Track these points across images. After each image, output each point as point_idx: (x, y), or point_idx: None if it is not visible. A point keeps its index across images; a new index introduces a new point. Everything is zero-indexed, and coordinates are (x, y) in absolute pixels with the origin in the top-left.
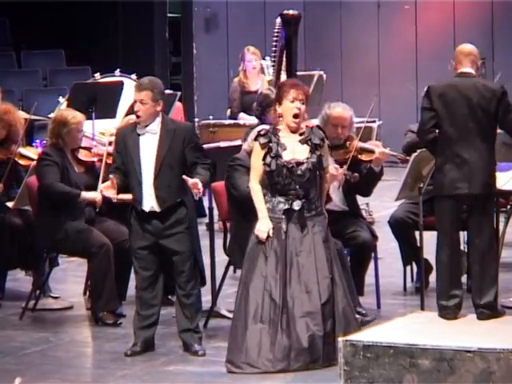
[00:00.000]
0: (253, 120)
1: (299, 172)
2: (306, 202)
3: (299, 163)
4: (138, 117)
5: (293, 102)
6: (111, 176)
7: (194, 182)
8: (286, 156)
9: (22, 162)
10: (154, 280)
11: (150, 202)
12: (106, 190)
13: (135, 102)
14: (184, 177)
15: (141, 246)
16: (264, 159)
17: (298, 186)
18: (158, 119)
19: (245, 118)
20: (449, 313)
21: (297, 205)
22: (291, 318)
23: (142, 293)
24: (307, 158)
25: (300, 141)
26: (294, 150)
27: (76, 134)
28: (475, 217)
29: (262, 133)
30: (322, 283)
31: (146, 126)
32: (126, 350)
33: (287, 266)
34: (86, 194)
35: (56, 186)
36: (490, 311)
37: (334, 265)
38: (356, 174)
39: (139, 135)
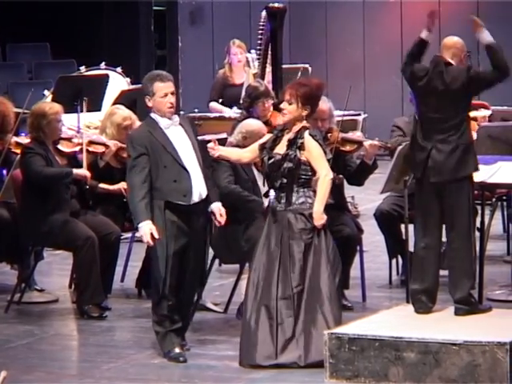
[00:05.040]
0: (224, 108)
1: (268, 164)
2: (278, 194)
3: (271, 157)
4: (172, 108)
5: (282, 102)
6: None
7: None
8: (276, 150)
9: (18, 150)
10: (180, 282)
11: (198, 190)
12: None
13: (166, 94)
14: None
15: (177, 251)
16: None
17: (271, 178)
18: None
19: (216, 108)
20: (420, 307)
21: (271, 194)
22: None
23: (173, 298)
24: (279, 154)
25: (289, 138)
26: (283, 146)
27: (56, 125)
28: (448, 210)
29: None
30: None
31: (170, 118)
32: (180, 358)
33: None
34: (77, 171)
35: (46, 170)
36: (465, 306)
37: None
38: (341, 176)
39: (164, 129)
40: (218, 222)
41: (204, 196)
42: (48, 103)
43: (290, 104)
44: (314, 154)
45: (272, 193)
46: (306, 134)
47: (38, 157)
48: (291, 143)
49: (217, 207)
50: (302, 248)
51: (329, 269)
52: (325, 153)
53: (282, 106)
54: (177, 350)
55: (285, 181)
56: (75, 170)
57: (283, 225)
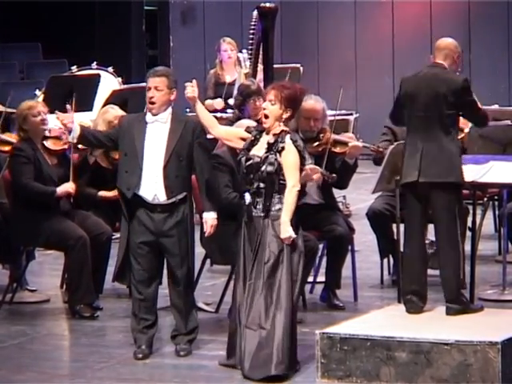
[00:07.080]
0: (217, 102)
1: (245, 165)
2: (254, 198)
3: (249, 158)
4: (151, 103)
5: (264, 102)
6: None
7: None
8: (253, 152)
9: (5, 148)
10: (153, 280)
11: (154, 191)
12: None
13: (149, 88)
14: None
15: (141, 242)
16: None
17: (247, 180)
18: (170, 109)
19: (211, 105)
20: (411, 306)
21: (246, 198)
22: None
23: (140, 296)
24: (258, 156)
25: (268, 141)
26: (261, 148)
27: (33, 119)
28: (435, 210)
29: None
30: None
31: (157, 114)
32: (136, 355)
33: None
34: (60, 189)
35: (31, 186)
36: (457, 305)
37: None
38: (334, 175)
39: (147, 123)
40: (207, 232)
41: (161, 200)
42: (27, 102)
43: (272, 104)
44: (288, 162)
45: (247, 196)
46: (288, 138)
47: (28, 165)
48: (271, 146)
49: (209, 218)
50: (276, 255)
51: (290, 278)
52: (303, 159)
53: (263, 105)
54: (143, 350)
55: (262, 185)
56: (58, 190)
57: (258, 231)
